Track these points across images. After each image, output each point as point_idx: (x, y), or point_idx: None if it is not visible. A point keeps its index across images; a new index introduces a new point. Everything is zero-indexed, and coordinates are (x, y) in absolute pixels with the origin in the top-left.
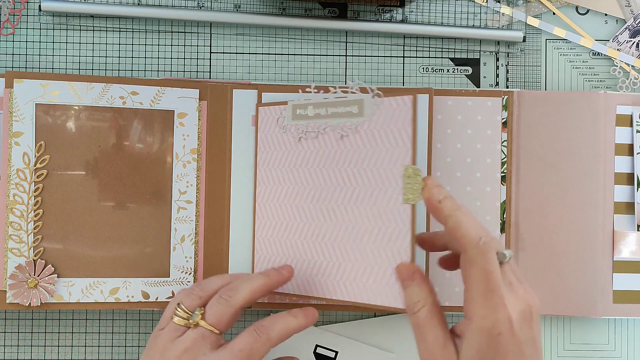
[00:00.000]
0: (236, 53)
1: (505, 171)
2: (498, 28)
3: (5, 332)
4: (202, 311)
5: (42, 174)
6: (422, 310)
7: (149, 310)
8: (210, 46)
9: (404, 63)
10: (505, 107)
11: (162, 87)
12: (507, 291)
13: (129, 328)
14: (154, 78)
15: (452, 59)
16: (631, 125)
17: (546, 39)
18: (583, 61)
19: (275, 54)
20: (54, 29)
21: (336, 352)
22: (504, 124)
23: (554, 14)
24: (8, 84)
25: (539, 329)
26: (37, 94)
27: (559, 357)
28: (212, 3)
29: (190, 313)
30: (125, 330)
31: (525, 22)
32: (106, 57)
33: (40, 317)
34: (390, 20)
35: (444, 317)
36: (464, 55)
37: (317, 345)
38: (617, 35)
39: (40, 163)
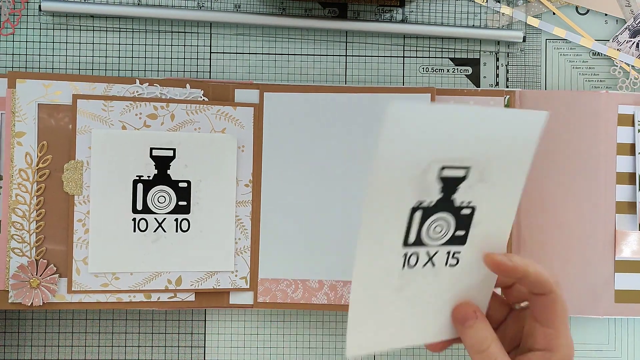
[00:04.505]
0: (236, 53)
1: None
2: (498, 28)
3: (5, 332)
4: None
5: (45, 173)
6: (493, 346)
7: (149, 310)
8: (210, 46)
9: (404, 63)
10: (507, 106)
11: (165, 87)
12: None
13: (129, 328)
14: (154, 78)
15: (452, 59)
16: (633, 125)
17: (546, 39)
18: (583, 61)
19: (276, 54)
20: (54, 29)
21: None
22: None
23: (554, 14)
24: (11, 84)
25: None
26: (40, 94)
27: None
28: (212, 3)
29: None
30: (125, 330)
31: (525, 22)
32: (106, 57)
33: (41, 317)
34: (390, 20)
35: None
36: (464, 55)
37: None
38: (617, 35)
39: (42, 163)
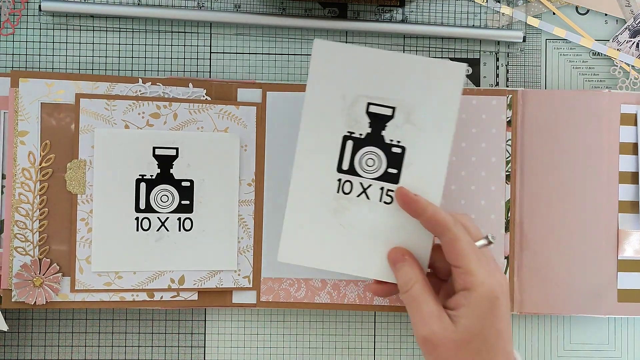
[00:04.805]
0: (236, 53)
1: (509, 170)
2: (498, 28)
3: (5, 332)
4: None
5: (48, 172)
6: (415, 286)
7: (149, 310)
8: (210, 46)
9: None
10: (509, 106)
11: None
12: (492, 263)
13: (129, 328)
14: (156, 77)
15: (452, 59)
16: (635, 124)
17: (546, 39)
18: (583, 61)
19: (275, 54)
20: (54, 29)
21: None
22: (509, 122)
23: (554, 14)
24: (13, 83)
25: None
26: (43, 93)
27: (559, 357)
28: (212, 3)
29: None
30: (125, 330)
31: (525, 22)
32: (106, 57)
33: (41, 317)
34: (390, 20)
35: (435, 293)
36: (464, 55)
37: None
38: (617, 35)
39: (45, 162)
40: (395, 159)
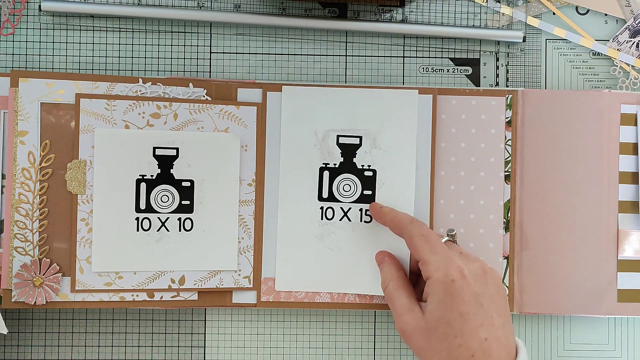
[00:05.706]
0: (236, 53)
1: (509, 170)
2: (498, 28)
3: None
4: None
5: (48, 172)
6: (390, 284)
7: (149, 310)
8: (211, 46)
9: (404, 63)
10: (509, 106)
11: (168, 87)
12: (456, 253)
13: (129, 328)
14: (156, 77)
15: (452, 59)
16: (635, 124)
17: (546, 39)
18: (583, 61)
19: (275, 54)
20: (54, 29)
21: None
22: (508, 123)
23: (554, 14)
24: (13, 83)
25: (502, 292)
26: (43, 93)
27: (559, 357)
28: (212, 3)
29: None
30: (125, 330)
31: (525, 22)
32: (106, 57)
33: (40, 317)
34: (390, 20)
35: (411, 288)
36: (464, 55)
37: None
38: (617, 35)
39: (45, 162)
40: (369, 182)
